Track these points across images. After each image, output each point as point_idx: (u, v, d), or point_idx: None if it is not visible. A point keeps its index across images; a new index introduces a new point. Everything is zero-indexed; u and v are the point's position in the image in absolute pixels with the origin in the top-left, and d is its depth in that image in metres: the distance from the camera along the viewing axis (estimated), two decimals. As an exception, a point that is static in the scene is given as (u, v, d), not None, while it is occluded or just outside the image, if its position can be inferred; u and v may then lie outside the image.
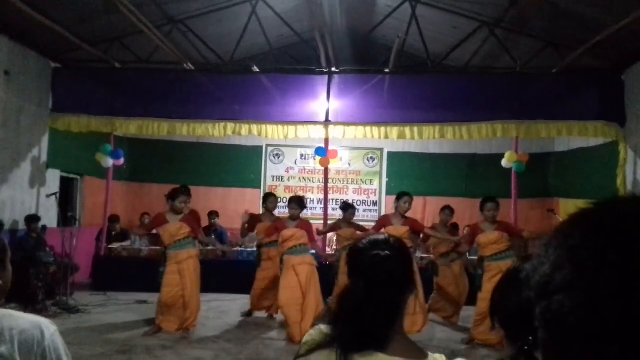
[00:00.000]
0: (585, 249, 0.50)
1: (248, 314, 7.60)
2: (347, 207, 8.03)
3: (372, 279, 1.41)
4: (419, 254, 8.88)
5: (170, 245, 6.45)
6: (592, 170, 9.53)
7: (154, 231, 6.80)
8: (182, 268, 6.36)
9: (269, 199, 7.77)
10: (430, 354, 1.41)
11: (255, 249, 9.00)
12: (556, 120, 8.60)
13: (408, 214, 6.96)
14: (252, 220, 7.57)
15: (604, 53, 7.87)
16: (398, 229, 6.56)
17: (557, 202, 10.86)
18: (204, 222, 10.12)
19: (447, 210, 7.70)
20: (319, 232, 8.00)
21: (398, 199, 6.90)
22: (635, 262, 0.47)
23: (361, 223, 8.75)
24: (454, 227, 8.52)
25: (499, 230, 6.28)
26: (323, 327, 1.49)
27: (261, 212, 8.11)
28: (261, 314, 7.62)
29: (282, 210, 9.12)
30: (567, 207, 10.31)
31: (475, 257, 7.08)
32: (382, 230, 6.58)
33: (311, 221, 11.24)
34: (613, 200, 0.54)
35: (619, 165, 8.21)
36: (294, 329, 6.22)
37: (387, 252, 1.44)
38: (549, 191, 11.35)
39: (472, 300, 6.76)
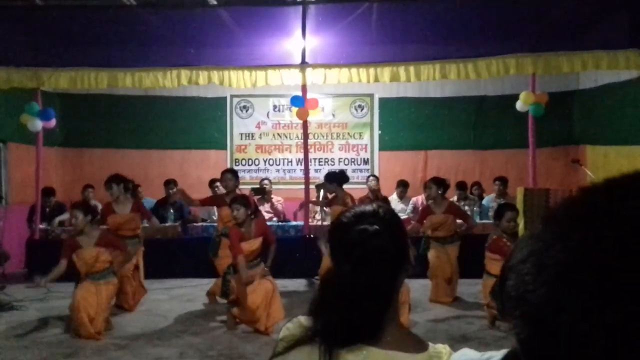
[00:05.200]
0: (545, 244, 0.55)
1: None
2: None
3: (359, 259, 1.42)
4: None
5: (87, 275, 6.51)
6: (624, 110, 9.59)
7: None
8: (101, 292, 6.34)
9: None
10: (431, 344, 1.43)
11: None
12: (580, 51, 8.59)
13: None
14: None
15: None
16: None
17: (584, 150, 10.97)
18: (160, 193, 10.10)
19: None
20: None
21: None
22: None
23: (350, 186, 8.81)
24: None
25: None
26: (302, 319, 1.50)
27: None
28: None
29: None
30: (596, 155, 10.42)
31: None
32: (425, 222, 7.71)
33: (290, 186, 11.26)
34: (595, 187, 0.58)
35: (657, 103, 8.30)
36: None
37: (376, 227, 1.44)
38: (574, 137, 11.44)
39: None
